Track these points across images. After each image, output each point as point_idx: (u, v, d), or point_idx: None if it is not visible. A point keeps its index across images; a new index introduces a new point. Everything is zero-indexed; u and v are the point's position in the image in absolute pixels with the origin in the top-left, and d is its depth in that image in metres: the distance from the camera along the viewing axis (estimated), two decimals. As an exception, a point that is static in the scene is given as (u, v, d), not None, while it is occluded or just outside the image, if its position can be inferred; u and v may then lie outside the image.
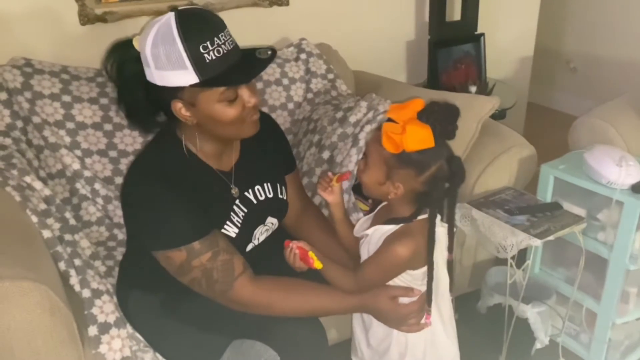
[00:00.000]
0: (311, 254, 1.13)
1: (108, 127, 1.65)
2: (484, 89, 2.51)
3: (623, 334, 1.66)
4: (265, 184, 1.31)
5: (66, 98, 1.61)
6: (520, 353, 1.68)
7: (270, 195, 1.31)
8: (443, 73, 2.50)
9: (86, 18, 1.80)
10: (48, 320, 1.06)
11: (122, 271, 1.38)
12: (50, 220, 1.32)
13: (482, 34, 2.58)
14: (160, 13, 1.10)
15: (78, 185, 1.60)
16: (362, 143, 1.63)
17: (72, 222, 1.42)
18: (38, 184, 1.39)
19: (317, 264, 1.14)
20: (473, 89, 2.45)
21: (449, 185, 1.08)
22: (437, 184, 1.07)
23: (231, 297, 1.16)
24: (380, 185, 1.11)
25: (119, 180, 1.65)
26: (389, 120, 1.05)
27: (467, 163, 1.67)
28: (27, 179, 1.38)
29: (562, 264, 1.74)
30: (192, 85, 1.06)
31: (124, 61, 1.13)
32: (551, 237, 1.45)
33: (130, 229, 1.26)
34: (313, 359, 1.23)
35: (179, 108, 1.10)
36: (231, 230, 1.21)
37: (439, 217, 1.13)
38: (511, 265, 1.54)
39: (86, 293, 1.23)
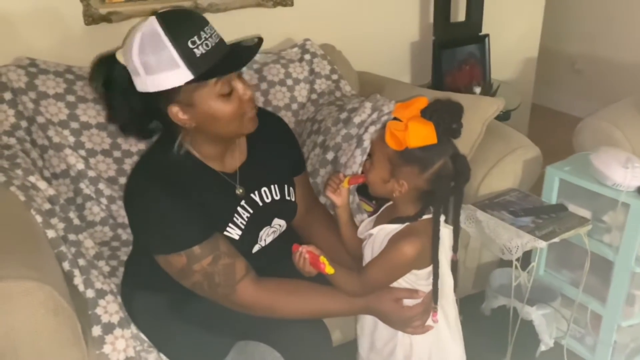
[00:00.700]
0: (322, 258, 1.11)
1: (112, 127, 1.64)
2: (489, 90, 2.51)
3: (628, 336, 1.65)
4: (272, 186, 1.30)
5: (70, 98, 1.61)
6: (525, 355, 1.68)
7: (277, 197, 1.31)
8: (447, 74, 2.49)
9: (91, 18, 1.80)
10: (52, 320, 1.06)
11: (126, 271, 1.39)
12: (54, 220, 1.32)
13: (487, 35, 2.57)
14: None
15: (82, 185, 1.60)
16: (366, 144, 1.63)
17: (76, 222, 1.42)
18: (42, 184, 1.39)
19: (329, 269, 1.11)
20: (477, 90, 2.45)
21: (454, 183, 1.08)
22: (441, 182, 1.07)
23: (234, 300, 1.16)
24: (385, 183, 1.11)
25: (122, 180, 1.65)
26: (395, 119, 1.06)
27: (472, 164, 1.66)
28: (32, 178, 1.38)
29: (567, 266, 1.73)
30: (187, 84, 1.04)
31: (110, 77, 1.10)
32: (556, 239, 1.44)
33: (133, 230, 1.26)
34: (317, 360, 1.23)
35: (176, 112, 1.09)
36: (234, 232, 1.21)
37: (443, 216, 1.12)
38: (516, 267, 1.53)
39: (90, 293, 1.23)
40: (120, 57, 1.08)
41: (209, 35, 1.05)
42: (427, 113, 1.04)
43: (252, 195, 1.26)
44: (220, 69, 1.06)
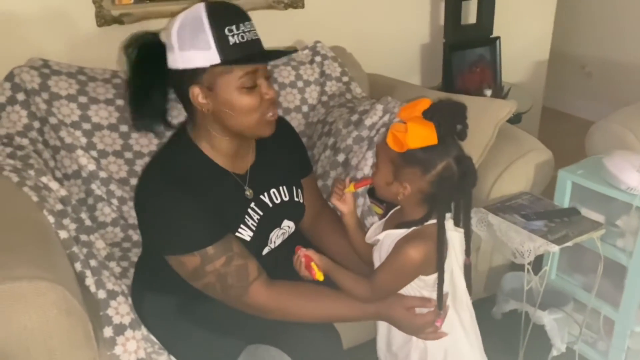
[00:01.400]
0: (313, 264, 1.13)
1: (124, 128, 1.65)
2: (499, 93, 2.50)
3: (641, 342, 1.63)
4: (281, 187, 1.30)
5: (83, 99, 1.61)
6: (537, 360, 1.67)
7: (286, 199, 1.31)
8: (458, 76, 2.48)
9: (103, 20, 1.81)
10: (64, 321, 1.06)
11: (137, 272, 1.39)
12: (66, 221, 1.33)
13: (498, 38, 2.56)
14: (176, 14, 1.11)
15: (93, 186, 1.61)
16: (377, 146, 1.63)
17: (88, 223, 1.42)
18: (54, 185, 1.40)
19: (319, 276, 1.13)
20: (488, 92, 2.44)
21: (459, 186, 1.07)
22: (444, 184, 1.05)
23: (246, 302, 1.16)
24: (388, 185, 1.11)
25: (134, 181, 1.65)
26: (400, 121, 1.05)
27: (483, 167, 1.68)
28: (44, 179, 1.38)
29: (579, 270, 1.72)
30: (212, 66, 1.07)
31: (146, 45, 1.13)
32: (569, 243, 1.43)
33: (143, 232, 1.26)
34: (327, 364, 1.23)
35: (197, 94, 1.11)
36: (245, 233, 1.21)
37: (452, 221, 1.11)
38: (528, 271, 1.52)
39: (102, 294, 1.23)
40: (162, 35, 1.12)
41: (247, 30, 1.09)
42: (428, 114, 1.03)
43: (261, 196, 1.26)
44: (246, 58, 1.08)
